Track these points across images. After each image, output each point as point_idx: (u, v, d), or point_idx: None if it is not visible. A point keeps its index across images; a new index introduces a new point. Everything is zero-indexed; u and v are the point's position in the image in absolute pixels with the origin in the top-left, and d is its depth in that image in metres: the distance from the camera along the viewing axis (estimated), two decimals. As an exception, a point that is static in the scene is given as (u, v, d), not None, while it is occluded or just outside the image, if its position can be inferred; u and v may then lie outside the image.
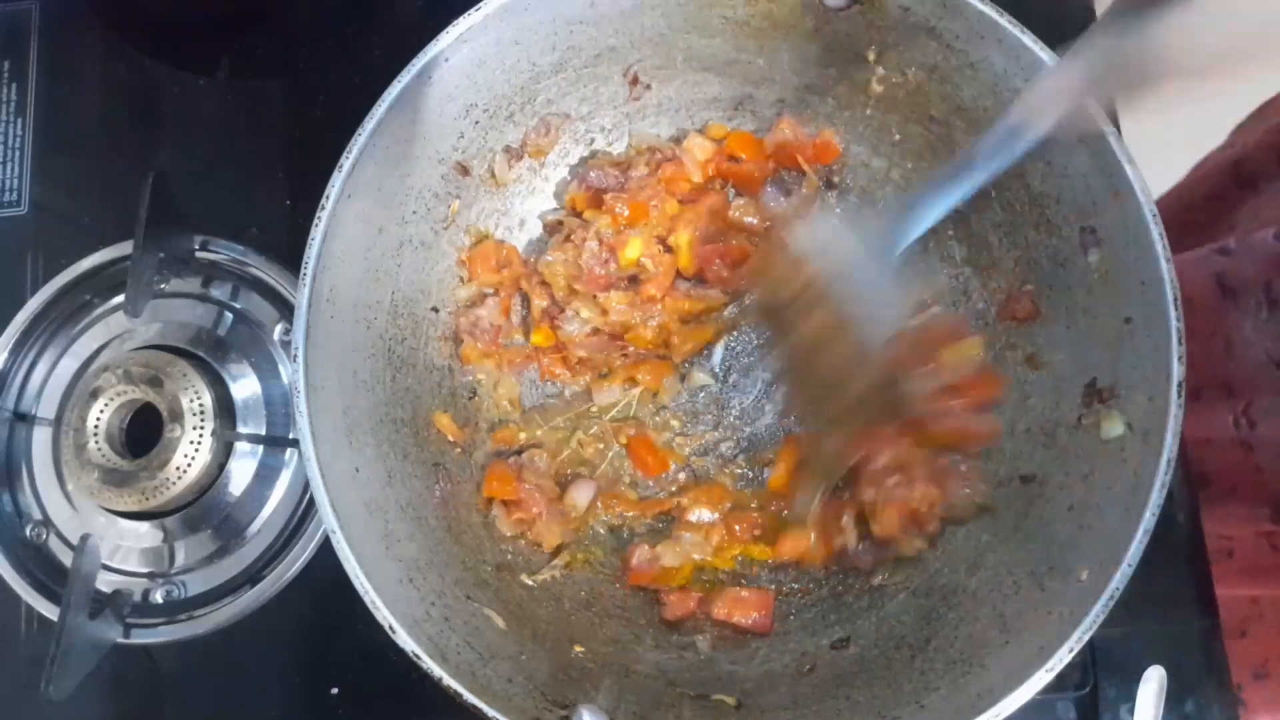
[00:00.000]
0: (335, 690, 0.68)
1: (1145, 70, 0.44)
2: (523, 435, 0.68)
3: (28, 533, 0.72)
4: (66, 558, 0.71)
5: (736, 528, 0.65)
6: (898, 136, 0.67)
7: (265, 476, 0.71)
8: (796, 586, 0.65)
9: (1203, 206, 0.86)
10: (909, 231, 0.54)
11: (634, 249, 0.67)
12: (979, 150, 0.51)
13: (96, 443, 0.67)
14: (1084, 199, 0.58)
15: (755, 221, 0.69)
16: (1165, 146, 0.85)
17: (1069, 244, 0.59)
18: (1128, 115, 0.62)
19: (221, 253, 0.76)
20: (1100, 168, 0.56)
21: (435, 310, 0.67)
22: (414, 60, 0.58)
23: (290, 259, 0.75)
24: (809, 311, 0.58)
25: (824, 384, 0.60)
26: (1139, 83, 0.45)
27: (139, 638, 0.69)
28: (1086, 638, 0.49)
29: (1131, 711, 0.64)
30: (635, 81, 0.68)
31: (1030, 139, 0.49)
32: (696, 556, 0.64)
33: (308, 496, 0.71)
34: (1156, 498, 0.50)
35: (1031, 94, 0.51)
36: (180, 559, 0.70)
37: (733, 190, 0.71)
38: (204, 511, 0.69)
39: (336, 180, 0.56)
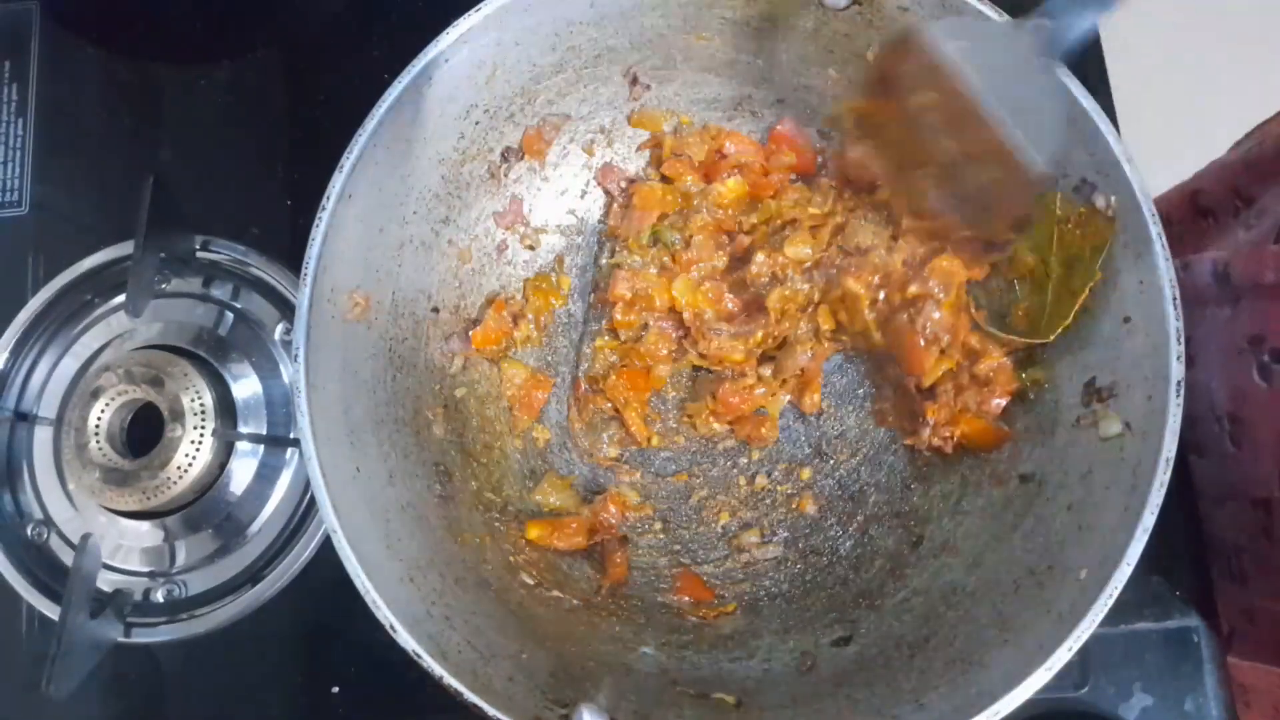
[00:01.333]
0: (336, 689, 0.68)
1: None
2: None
3: (29, 532, 0.72)
4: (67, 557, 0.71)
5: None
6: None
7: (266, 476, 0.71)
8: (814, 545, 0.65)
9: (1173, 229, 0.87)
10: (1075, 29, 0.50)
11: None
12: None
13: (97, 442, 0.67)
14: (1081, 199, 0.58)
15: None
16: (1165, 147, 0.86)
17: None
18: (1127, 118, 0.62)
19: (222, 253, 0.76)
20: (1098, 167, 0.56)
21: (436, 310, 0.67)
22: (414, 61, 0.58)
23: (291, 259, 0.75)
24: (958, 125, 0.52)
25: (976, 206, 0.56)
26: None
27: (140, 637, 0.69)
28: (1085, 636, 0.49)
29: (1130, 711, 0.64)
30: (635, 82, 0.68)
31: None
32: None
33: (308, 496, 0.71)
34: (1155, 497, 0.50)
35: None
36: (181, 558, 0.71)
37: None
38: (205, 511, 0.70)
39: (337, 180, 0.56)
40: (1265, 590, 0.65)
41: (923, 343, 0.61)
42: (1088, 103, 0.55)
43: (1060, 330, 0.60)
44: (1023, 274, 0.64)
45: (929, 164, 0.56)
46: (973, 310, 0.63)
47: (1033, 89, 0.51)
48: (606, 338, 0.70)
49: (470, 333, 0.68)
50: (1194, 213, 0.82)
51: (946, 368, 0.62)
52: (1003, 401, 0.62)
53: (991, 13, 0.56)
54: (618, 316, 0.69)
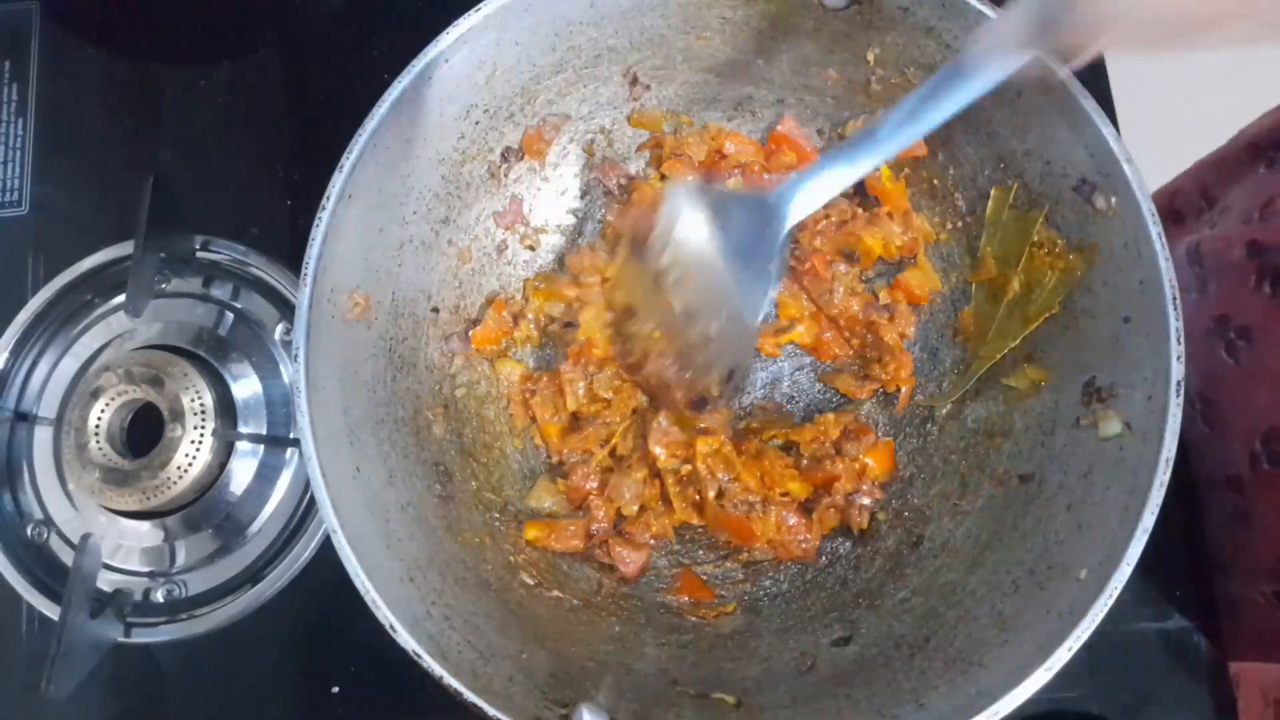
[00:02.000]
0: (336, 689, 0.68)
1: (1085, 21, 0.42)
2: None
3: (29, 532, 0.72)
4: (67, 557, 0.71)
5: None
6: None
7: (266, 476, 0.71)
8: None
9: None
10: (800, 209, 0.54)
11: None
12: (895, 115, 0.51)
13: (97, 442, 0.67)
14: (1082, 200, 0.58)
15: None
16: (1165, 147, 0.85)
17: (1068, 243, 0.60)
18: (1126, 106, 0.62)
19: (222, 253, 0.76)
20: (1098, 166, 0.56)
21: (435, 310, 0.67)
22: (414, 61, 0.58)
23: (291, 259, 0.75)
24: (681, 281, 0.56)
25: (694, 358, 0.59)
26: (1081, 35, 0.43)
27: (140, 637, 0.69)
28: (1085, 636, 0.49)
29: (1130, 711, 0.64)
30: (635, 82, 0.68)
31: (957, 97, 0.49)
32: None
33: (308, 496, 0.71)
34: (1155, 497, 0.50)
35: (967, 49, 0.50)
36: (181, 558, 0.71)
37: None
38: (205, 511, 0.70)
39: (337, 180, 0.56)
40: (1245, 578, 0.65)
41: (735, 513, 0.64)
42: (1088, 103, 0.55)
43: (998, 357, 0.62)
44: (982, 279, 0.64)
45: (657, 314, 0.59)
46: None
47: (760, 249, 0.55)
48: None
49: (470, 333, 0.68)
50: (1169, 214, 0.83)
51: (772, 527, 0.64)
52: (869, 503, 0.65)
53: (991, 13, 0.56)
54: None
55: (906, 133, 0.51)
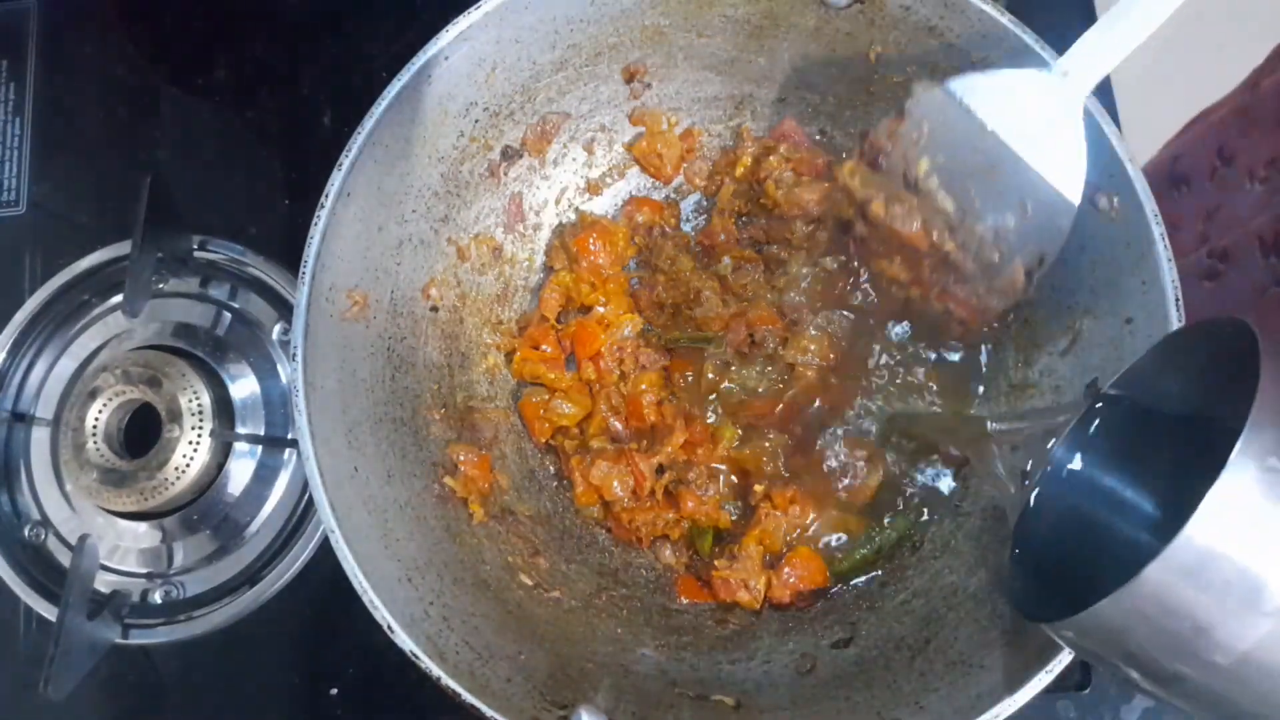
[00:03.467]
0: (335, 690, 0.68)
1: None
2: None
3: (26, 533, 0.72)
4: (65, 558, 0.71)
5: None
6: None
7: (264, 477, 0.71)
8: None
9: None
10: (1090, 74, 0.52)
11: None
12: None
13: (95, 443, 0.67)
14: (1084, 200, 0.57)
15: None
16: (1160, 123, 0.84)
17: (1070, 244, 0.59)
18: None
19: (220, 252, 0.76)
20: (1102, 167, 0.55)
21: (434, 310, 0.67)
22: (414, 59, 0.58)
23: (289, 258, 0.75)
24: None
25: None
26: None
27: (137, 638, 0.69)
28: (1087, 638, 0.49)
29: (1131, 712, 0.64)
30: (636, 80, 0.68)
31: None
32: None
33: (306, 496, 0.71)
34: (1157, 498, 0.50)
35: None
36: (179, 559, 0.70)
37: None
38: (203, 512, 0.69)
39: (336, 179, 0.56)
40: None
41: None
42: (1090, 102, 0.54)
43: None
44: None
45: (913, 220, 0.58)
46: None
47: (1049, 122, 0.53)
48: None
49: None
50: (1170, 180, 0.79)
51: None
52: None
53: (993, 11, 0.56)
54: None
55: None
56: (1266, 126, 0.71)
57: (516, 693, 0.52)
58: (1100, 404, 0.48)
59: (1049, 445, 0.49)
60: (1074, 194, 0.54)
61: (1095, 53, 0.52)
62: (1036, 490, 0.49)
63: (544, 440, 0.68)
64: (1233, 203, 0.73)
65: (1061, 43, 0.55)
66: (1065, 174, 0.54)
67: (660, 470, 0.65)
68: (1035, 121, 0.53)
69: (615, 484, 0.65)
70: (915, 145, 0.56)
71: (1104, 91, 0.74)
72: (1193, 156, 0.78)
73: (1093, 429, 0.48)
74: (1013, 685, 0.49)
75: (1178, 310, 0.52)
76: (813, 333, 0.65)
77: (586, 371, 0.68)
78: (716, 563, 0.63)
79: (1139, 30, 0.51)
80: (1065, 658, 0.48)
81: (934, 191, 0.57)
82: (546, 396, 0.68)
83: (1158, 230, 0.53)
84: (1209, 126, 0.78)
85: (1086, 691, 0.65)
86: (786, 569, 0.62)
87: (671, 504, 0.65)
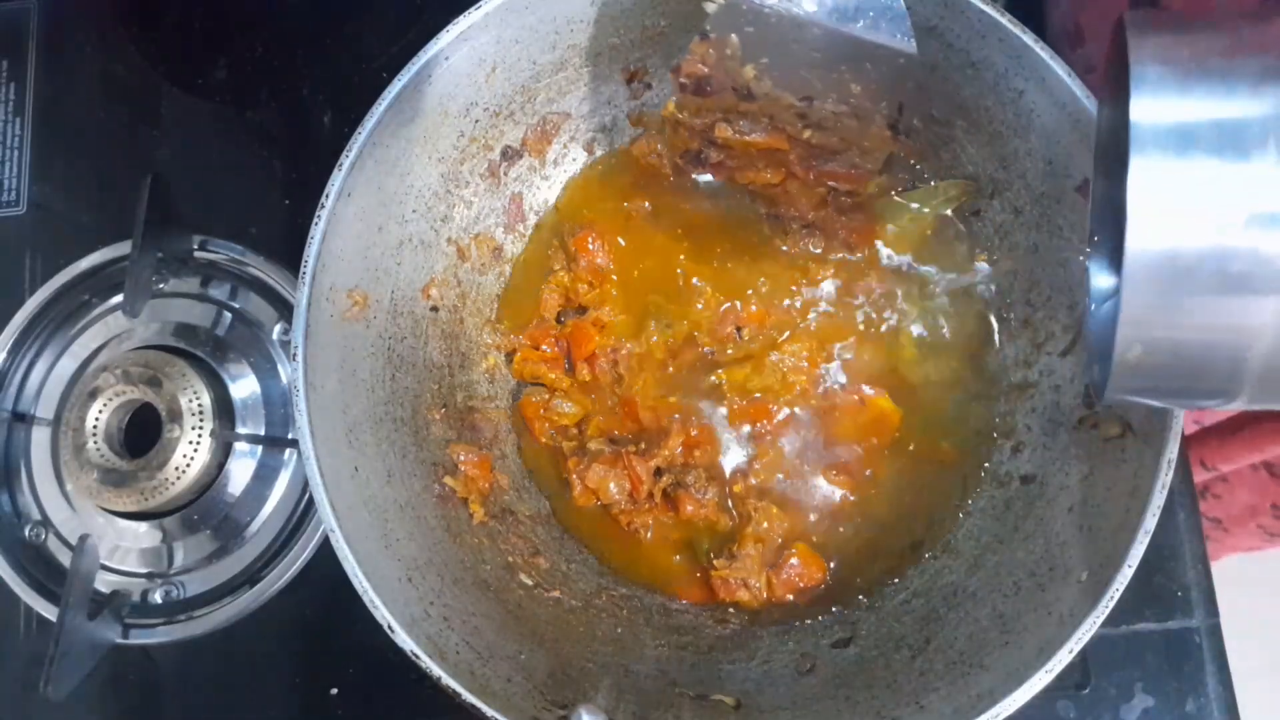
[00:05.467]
0: (335, 690, 0.68)
1: None
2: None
3: (26, 533, 0.72)
4: (65, 558, 0.71)
5: None
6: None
7: (264, 477, 0.71)
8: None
9: None
10: None
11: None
12: None
13: (95, 443, 0.67)
14: (1084, 201, 0.57)
15: None
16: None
17: (1070, 244, 0.59)
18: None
19: (220, 252, 0.76)
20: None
21: (435, 310, 0.67)
22: (414, 59, 0.58)
23: (289, 258, 0.75)
24: None
25: None
26: None
27: (138, 638, 0.69)
28: (1087, 638, 0.49)
29: (1132, 712, 0.64)
30: (636, 80, 0.68)
31: None
32: None
33: (307, 496, 0.71)
34: (1157, 499, 0.50)
35: None
36: (179, 559, 0.70)
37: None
38: (203, 512, 0.69)
39: (336, 179, 0.56)
40: None
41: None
42: (1089, 102, 0.54)
43: None
44: None
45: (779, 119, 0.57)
46: None
47: None
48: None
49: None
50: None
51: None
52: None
53: (993, 11, 0.56)
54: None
55: None
56: None
57: (517, 692, 0.53)
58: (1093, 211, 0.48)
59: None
60: (907, 44, 0.53)
61: None
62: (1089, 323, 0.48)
63: (544, 441, 0.68)
64: None
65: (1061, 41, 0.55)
66: (891, 29, 0.53)
67: (658, 473, 0.65)
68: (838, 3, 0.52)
69: (612, 486, 0.64)
70: (732, 58, 0.55)
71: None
72: None
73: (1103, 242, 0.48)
74: (1013, 685, 0.49)
75: (1177, 310, 0.52)
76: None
77: (582, 373, 0.68)
78: (716, 562, 0.63)
79: None
80: (1066, 658, 0.49)
81: (770, 91, 0.56)
82: (547, 396, 0.68)
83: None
84: None
85: (1086, 691, 0.65)
86: (786, 566, 0.63)
87: (670, 506, 0.65)
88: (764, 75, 0.56)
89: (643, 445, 0.66)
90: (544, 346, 0.69)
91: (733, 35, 0.54)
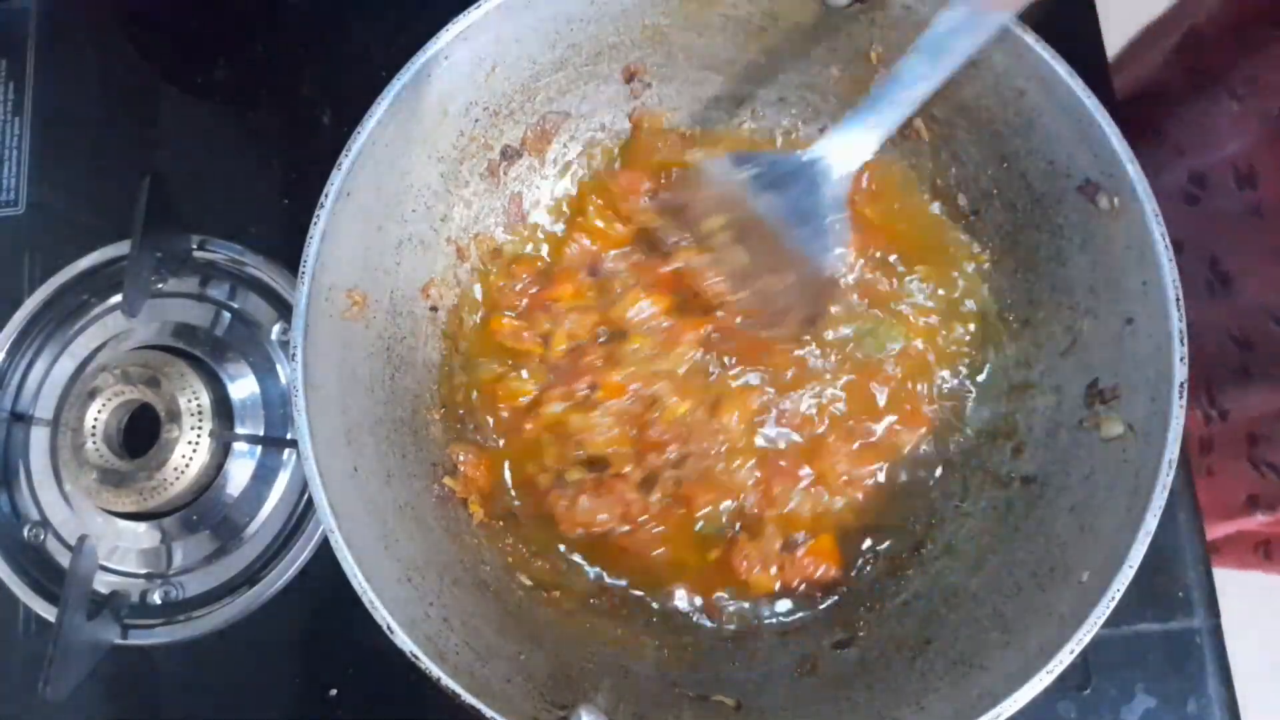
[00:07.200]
0: (334, 692, 0.68)
1: None
2: None
3: (25, 533, 0.72)
4: (64, 558, 0.70)
5: None
6: (899, 135, 0.67)
7: (263, 477, 0.70)
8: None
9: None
10: (843, 164, 0.57)
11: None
12: (903, 72, 0.54)
13: (94, 443, 0.67)
14: (1085, 199, 0.57)
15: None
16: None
17: (1071, 244, 0.59)
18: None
19: (219, 252, 0.76)
20: (1102, 167, 0.55)
21: (434, 309, 0.67)
22: (413, 58, 0.58)
23: (288, 258, 0.75)
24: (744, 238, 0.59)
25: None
26: None
27: (137, 639, 0.69)
28: (1088, 639, 0.49)
29: (1132, 713, 0.64)
30: (636, 79, 0.68)
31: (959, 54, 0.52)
32: None
33: (306, 497, 0.70)
34: (1158, 499, 0.50)
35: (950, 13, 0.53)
36: (178, 560, 0.70)
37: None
38: (202, 512, 0.69)
39: (335, 179, 0.56)
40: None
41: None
42: (1090, 102, 0.54)
43: None
44: None
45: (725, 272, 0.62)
46: None
47: (815, 204, 0.58)
48: None
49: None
50: (1189, 81, 0.73)
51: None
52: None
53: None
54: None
55: (931, 77, 0.53)
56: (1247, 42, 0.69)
57: (516, 693, 0.52)
58: None
59: None
60: (835, 269, 0.59)
61: (848, 144, 0.57)
62: None
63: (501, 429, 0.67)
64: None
65: (1062, 42, 0.55)
66: (824, 251, 0.58)
67: (647, 487, 0.63)
68: (796, 206, 0.58)
69: (603, 515, 0.62)
70: (705, 203, 0.61)
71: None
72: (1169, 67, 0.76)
73: None
74: (1013, 685, 0.49)
75: (1179, 310, 0.52)
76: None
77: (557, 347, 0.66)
78: (738, 538, 0.62)
79: (881, 124, 0.55)
80: (1067, 658, 0.49)
81: (726, 245, 0.61)
82: (501, 370, 0.66)
83: (1158, 230, 0.53)
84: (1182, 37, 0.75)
85: (1087, 692, 0.65)
86: (804, 555, 0.63)
87: (681, 503, 0.64)
88: (726, 229, 0.61)
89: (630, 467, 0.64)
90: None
91: (712, 185, 0.60)
